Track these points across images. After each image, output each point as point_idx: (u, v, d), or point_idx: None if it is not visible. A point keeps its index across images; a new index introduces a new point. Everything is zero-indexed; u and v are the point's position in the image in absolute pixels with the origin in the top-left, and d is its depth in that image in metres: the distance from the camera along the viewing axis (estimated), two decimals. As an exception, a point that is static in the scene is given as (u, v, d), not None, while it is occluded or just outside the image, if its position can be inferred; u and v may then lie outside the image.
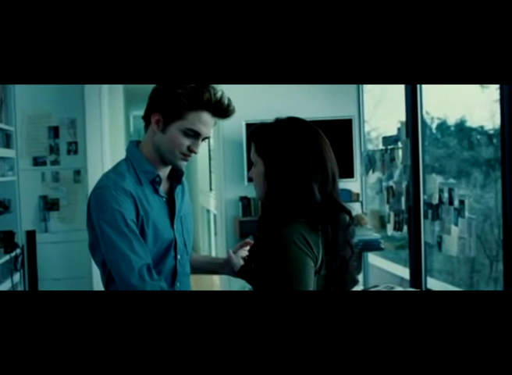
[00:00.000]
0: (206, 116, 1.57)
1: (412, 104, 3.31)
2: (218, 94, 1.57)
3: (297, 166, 1.40)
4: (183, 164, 1.66)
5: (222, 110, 1.59)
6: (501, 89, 2.47)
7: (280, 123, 1.47)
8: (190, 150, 1.60)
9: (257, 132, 1.48)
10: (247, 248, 1.82)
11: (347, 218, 1.45)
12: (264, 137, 1.46)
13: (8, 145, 3.88)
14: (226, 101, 1.59)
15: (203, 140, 1.62)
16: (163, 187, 1.67)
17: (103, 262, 1.61)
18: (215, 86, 1.58)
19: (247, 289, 3.50)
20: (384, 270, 4.23)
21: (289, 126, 1.45)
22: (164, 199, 1.67)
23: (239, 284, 3.89)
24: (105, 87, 4.44)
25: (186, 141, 1.59)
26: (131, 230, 1.53)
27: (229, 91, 1.61)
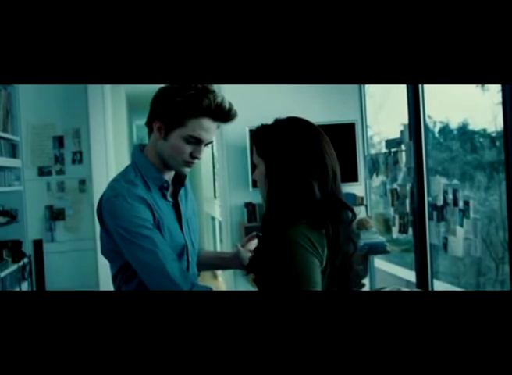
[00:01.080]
0: (207, 122, 1.57)
1: (414, 106, 3.32)
2: (218, 100, 1.56)
3: (296, 164, 1.40)
4: (187, 170, 1.66)
5: (224, 115, 1.58)
6: (503, 90, 2.48)
7: (279, 123, 1.47)
8: (193, 156, 1.61)
9: (257, 134, 1.49)
10: (255, 241, 1.82)
11: (349, 214, 1.45)
12: (264, 138, 1.47)
13: (14, 155, 3.91)
14: (227, 106, 1.58)
15: (206, 145, 1.62)
16: (169, 192, 1.69)
17: (121, 267, 1.62)
18: (215, 91, 1.57)
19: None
20: (390, 274, 4.23)
21: (288, 125, 1.46)
22: (171, 203, 1.68)
23: (244, 285, 3.89)
24: (109, 96, 4.48)
25: (188, 148, 1.59)
26: (151, 230, 1.55)
27: (232, 97, 1.61)
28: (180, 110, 1.54)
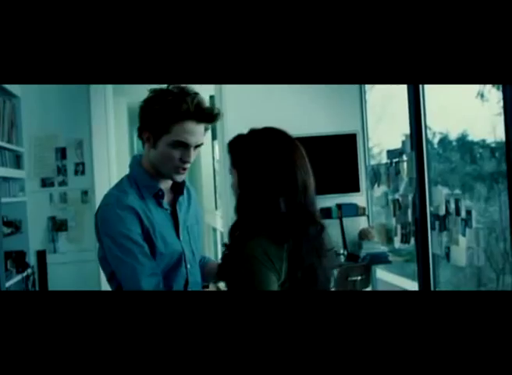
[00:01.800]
0: (191, 125, 1.58)
1: (416, 116, 3.34)
2: (197, 101, 1.57)
3: (264, 176, 1.40)
4: (180, 177, 1.67)
5: (206, 116, 1.59)
6: (504, 97, 2.47)
7: (253, 134, 1.48)
8: (183, 161, 1.61)
9: (232, 144, 1.50)
10: None
11: (318, 227, 1.45)
12: (237, 149, 1.47)
13: (18, 166, 3.92)
14: (208, 106, 1.59)
15: (195, 148, 1.63)
16: (167, 199, 1.70)
17: (110, 274, 1.65)
18: (196, 92, 1.58)
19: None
20: (392, 284, 4.23)
21: (261, 136, 1.46)
22: (168, 211, 1.69)
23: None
24: (111, 108, 4.50)
25: (177, 154, 1.60)
26: (136, 244, 1.57)
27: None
28: (162, 117, 1.56)
